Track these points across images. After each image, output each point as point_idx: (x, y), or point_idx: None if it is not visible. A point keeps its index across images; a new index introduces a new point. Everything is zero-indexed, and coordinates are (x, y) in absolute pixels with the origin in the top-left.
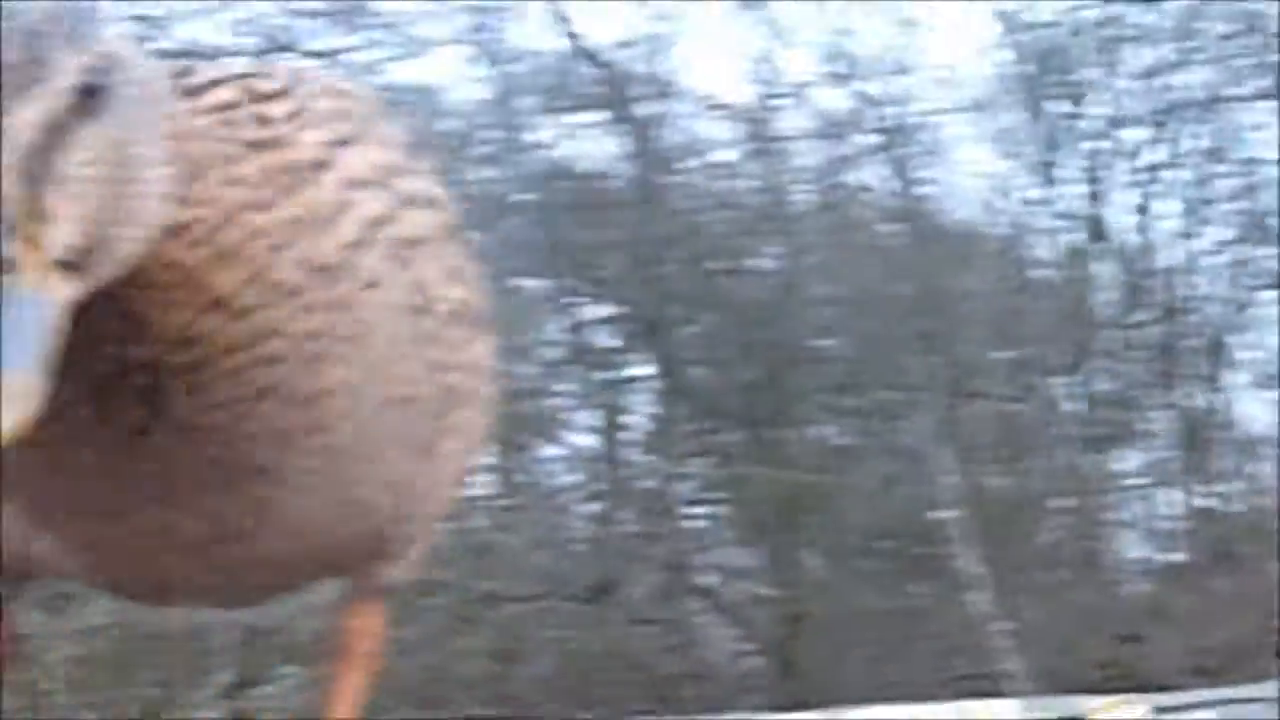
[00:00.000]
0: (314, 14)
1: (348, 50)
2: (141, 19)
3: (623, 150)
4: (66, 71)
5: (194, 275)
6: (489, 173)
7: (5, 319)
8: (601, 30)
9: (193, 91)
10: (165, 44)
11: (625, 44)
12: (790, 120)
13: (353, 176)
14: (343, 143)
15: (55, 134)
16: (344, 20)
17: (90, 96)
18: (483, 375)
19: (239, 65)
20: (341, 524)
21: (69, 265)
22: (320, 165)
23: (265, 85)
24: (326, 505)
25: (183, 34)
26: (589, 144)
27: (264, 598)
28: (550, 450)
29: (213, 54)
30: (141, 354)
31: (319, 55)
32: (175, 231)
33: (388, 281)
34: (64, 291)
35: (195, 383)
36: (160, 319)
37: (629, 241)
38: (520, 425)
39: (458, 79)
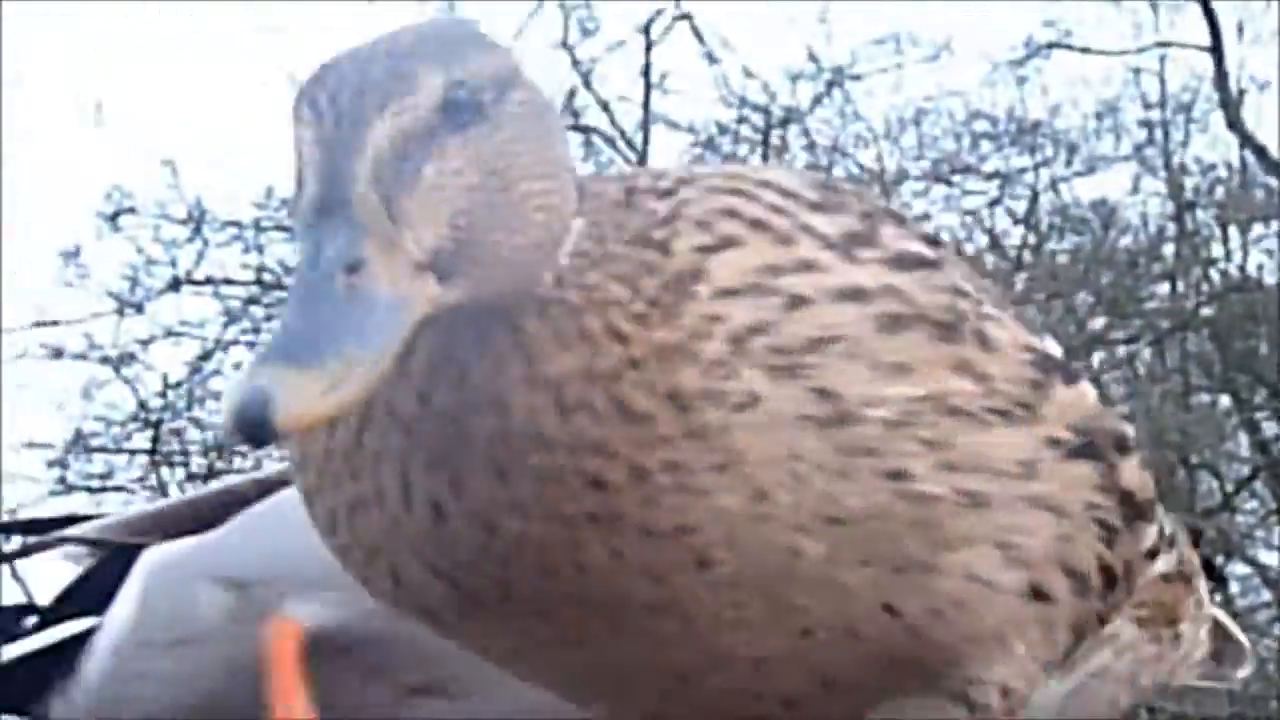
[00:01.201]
0: (988, 135)
1: (1023, 170)
2: (811, 146)
3: None
4: (430, 88)
5: (540, 344)
6: (1166, 288)
7: (355, 313)
8: (1277, 140)
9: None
10: (840, 170)
11: None
12: None
13: (723, 285)
14: (718, 246)
15: (416, 144)
16: (1019, 140)
17: (458, 111)
18: (1002, 474)
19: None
20: (831, 638)
21: (431, 268)
22: (695, 275)
23: (650, 182)
24: (789, 626)
25: (865, 158)
26: (1268, 256)
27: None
28: (1239, 569)
29: (895, 178)
30: (450, 404)
31: (995, 176)
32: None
33: (770, 397)
34: (423, 294)
35: None
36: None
37: None
38: (1208, 544)
39: (1134, 193)
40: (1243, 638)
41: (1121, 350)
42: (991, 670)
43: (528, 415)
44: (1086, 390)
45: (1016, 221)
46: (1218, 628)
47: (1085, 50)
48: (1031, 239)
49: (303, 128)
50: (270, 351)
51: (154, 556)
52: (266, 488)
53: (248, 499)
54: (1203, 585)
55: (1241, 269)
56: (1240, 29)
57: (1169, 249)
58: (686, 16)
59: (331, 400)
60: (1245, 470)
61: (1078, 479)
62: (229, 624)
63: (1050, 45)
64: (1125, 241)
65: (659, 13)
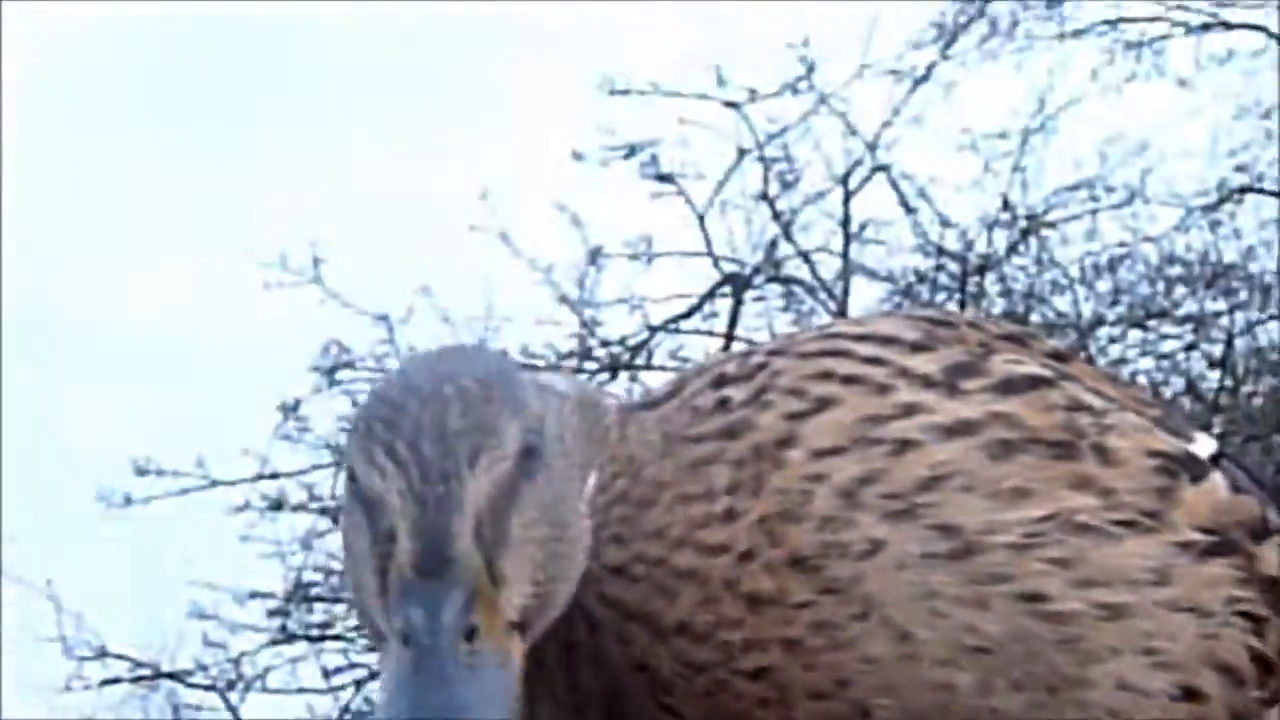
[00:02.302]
0: (1182, 280)
1: (1218, 313)
2: (1008, 293)
3: None
4: (512, 436)
5: (640, 610)
6: None
7: (481, 683)
8: None
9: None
10: (1036, 316)
11: None
12: None
13: (820, 446)
14: (809, 411)
15: (505, 498)
16: (1213, 284)
17: (528, 458)
18: (1137, 584)
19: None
20: None
21: (519, 626)
22: (784, 442)
23: (732, 369)
24: None
25: (1061, 304)
26: None
27: None
28: None
29: (1090, 323)
30: (599, 684)
31: (1190, 320)
32: (615, 571)
33: (893, 541)
34: (518, 653)
35: (659, 704)
36: (615, 650)
37: None
38: None
39: None
40: None
41: None
42: None
43: (674, 655)
44: (1217, 484)
45: (1212, 365)
46: None
47: (1277, 194)
48: (1228, 382)
49: (380, 475)
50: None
51: None
52: None
53: None
54: None
55: None
56: None
57: None
58: (884, 168)
59: None
60: None
61: (1215, 578)
62: None
63: (1243, 190)
64: None
65: (857, 163)
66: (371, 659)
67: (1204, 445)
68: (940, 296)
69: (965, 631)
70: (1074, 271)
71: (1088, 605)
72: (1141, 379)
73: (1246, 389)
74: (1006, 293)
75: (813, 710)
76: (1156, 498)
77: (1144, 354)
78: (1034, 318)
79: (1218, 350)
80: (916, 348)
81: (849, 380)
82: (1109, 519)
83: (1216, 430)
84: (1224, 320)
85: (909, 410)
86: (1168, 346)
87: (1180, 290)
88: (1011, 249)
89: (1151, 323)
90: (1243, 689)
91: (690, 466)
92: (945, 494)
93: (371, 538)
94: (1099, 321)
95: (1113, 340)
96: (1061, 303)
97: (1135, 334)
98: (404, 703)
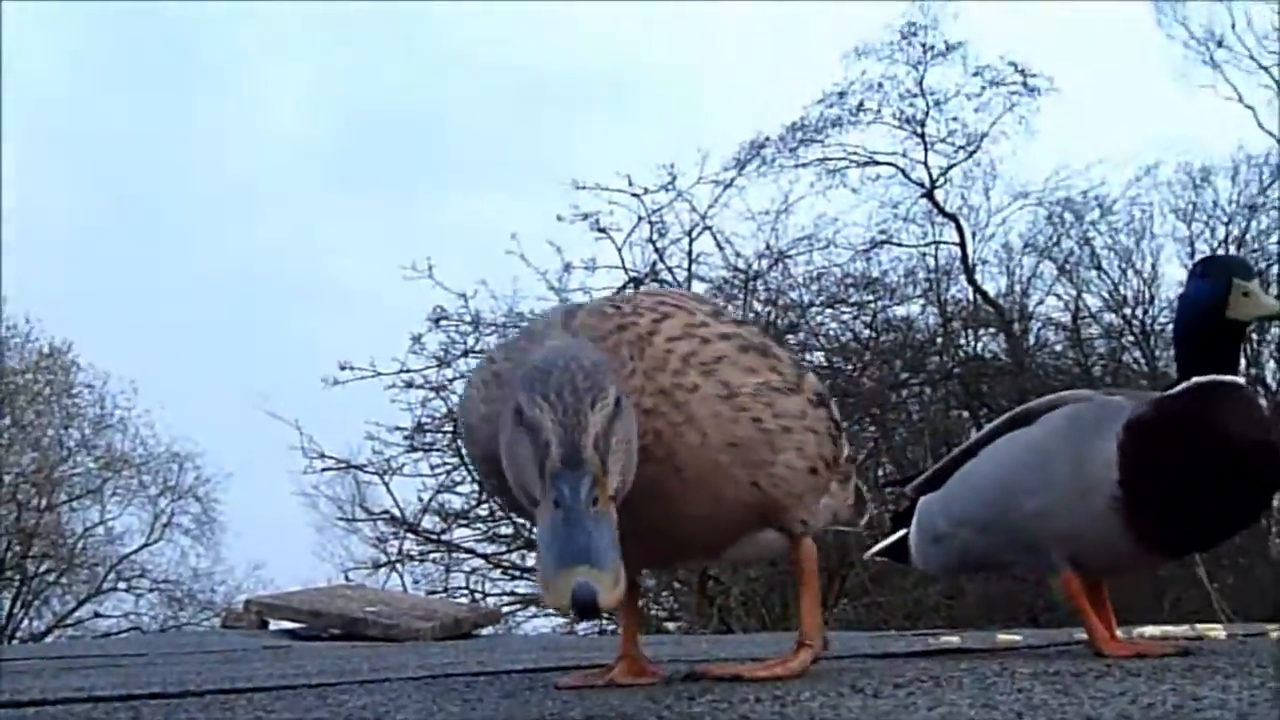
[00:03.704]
0: (853, 284)
1: (869, 302)
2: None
3: (1005, 346)
4: (611, 394)
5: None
6: (937, 359)
7: (606, 534)
8: (991, 287)
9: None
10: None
11: (1006, 294)
12: None
13: (671, 334)
14: (661, 318)
15: (609, 425)
16: (868, 286)
17: (618, 405)
18: (797, 417)
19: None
20: (732, 502)
21: (613, 497)
22: (653, 333)
23: (621, 300)
24: (715, 497)
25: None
26: (987, 344)
27: (723, 549)
28: None
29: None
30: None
31: (856, 305)
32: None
33: (703, 385)
34: (614, 512)
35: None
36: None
37: (1008, 392)
38: None
39: (922, 314)
40: (867, 499)
41: (917, 389)
42: (799, 512)
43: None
44: (813, 378)
45: (866, 327)
46: (857, 491)
47: (900, 244)
48: (873, 335)
49: (540, 409)
50: (570, 557)
51: (922, 501)
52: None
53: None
54: (851, 467)
55: (974, 350)
56: (974, 234)
57: (940, 340)
58: (709, 227)
59: (620, 588)
60: None
61: (819, 417)
62: (950, 535)
63: (883, 241)
64: (918, 336)
65: (696, 225)
66: (453, 460)
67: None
68: (735, 291)
69: (728, 435)
70: (800, 279)
71: (777, 426)
72: None
73: (883, 338)
74: (770, 297)
75: (660, 469)
76: (798, 378)
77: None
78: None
79: (869, 318)
80: (698, 299)
81: (677, 307)
82: (783, 385)
83: (867, 358)
84: (872, 304)
85: (704, 324)
86: (845, 317)
87: (851, 290)
88: (771, 266)
89: (837, 305)
90: (826, 472)
91: (610, 350)
92: (723, 366)
93: (534, 447)
94: (810, 304)
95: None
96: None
97: (829, 310)
98: (562, 541)
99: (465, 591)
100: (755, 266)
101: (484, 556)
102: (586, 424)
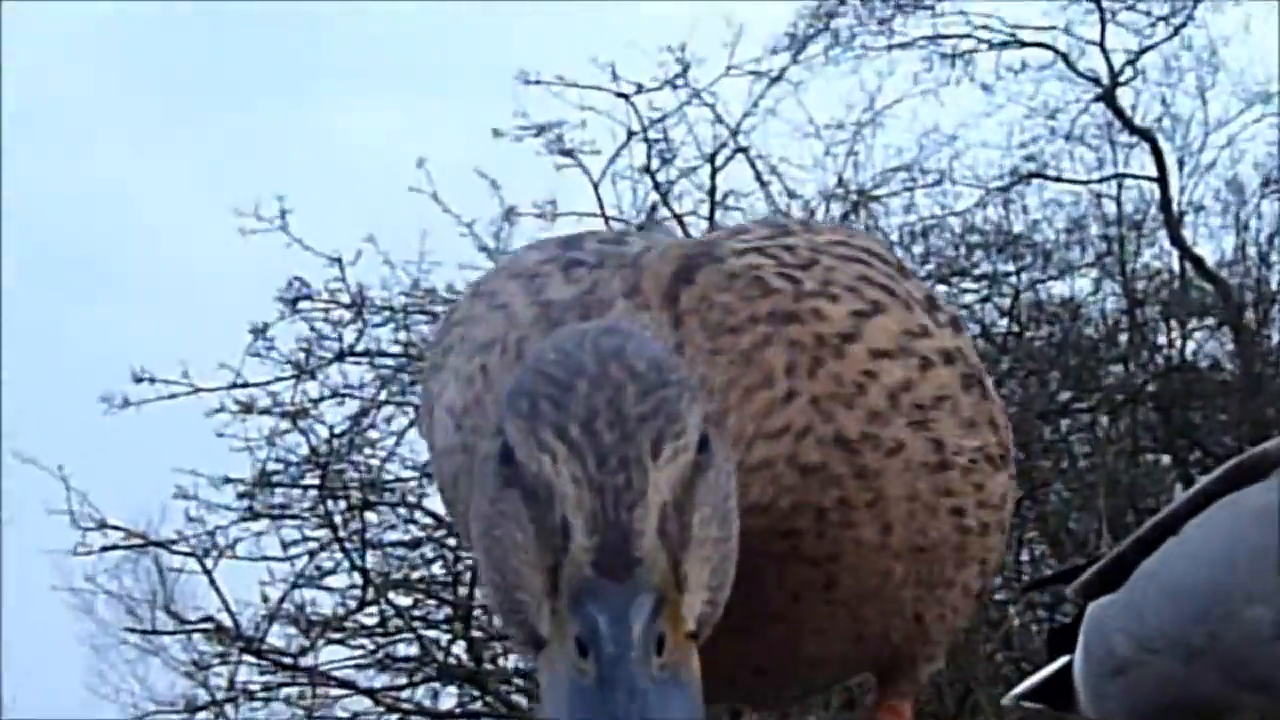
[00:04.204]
0: (980, 245)
1: (1008, 274)
2: None
3: (1231, 349)
4: (694, 424)
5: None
6: (1121, 368)
7: (668, 703)
8: (1210, 252)
9: (720, 258)
10: None
11: (1233, 263)
12: None
13: (878, 347)
14: (870, 312)
15: (686, 491)
16: (1005, 250)
17: (704, 449)
18: (998, 508)
19: (759, 229)
20: (854, 650)
21: (693, 636)
22: (848, 337)
23: (791, 255)
24: (838, 641)
25: None
26: (1202, 344)
27: (819, 689)
28: None
29: None
30: None
31: (985, 278)
32: None
33: (909, 445)
34: (697, 668)
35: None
36: None
37: (1236, 423)
38: None
39: (1095, 293)
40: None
41: (1085, 418)
42: (930, 664)
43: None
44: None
45: (1003, 315)
46: None
47: (1058, 179)
48: (1014, 328)
49: (552, 459)
50: None
51: (1092, 609)
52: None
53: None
54: None
55: (1181, 354)
56: (1181, 163)
57: (1124, 337)
58: (744, 149)
59: None
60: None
61: (1010, 502)
62: (1137, 664)
63: (1030, 175)
64: (1089, 331)
65: (722, 145)
66: (322, 534)
67: None
68: None
69: (918, 533)
70: (895, 237)
71: (978, 523)
72: None
73: (1029, 334)
74: None
75: (799, 574)
76: (1009, 440)
77: (949, 303)
78: None
79: (1006, 303)
80: (902, 272)
81: (886, 290)
82: (998, 453)
83: (1005, 366)
84: (1012, 279)
85: (925, 331)
86: (967, 299)
87: (978, 254)
88: (844, 217)
89: (954, 279)
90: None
91: (744, 354)
92: (941, 413)
93: (536, 528)
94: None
95: None
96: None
97: (941, 288)
98: (589, 716)
99: None
100: (820, 214)
101: (370, 693)
102: (644, 487)
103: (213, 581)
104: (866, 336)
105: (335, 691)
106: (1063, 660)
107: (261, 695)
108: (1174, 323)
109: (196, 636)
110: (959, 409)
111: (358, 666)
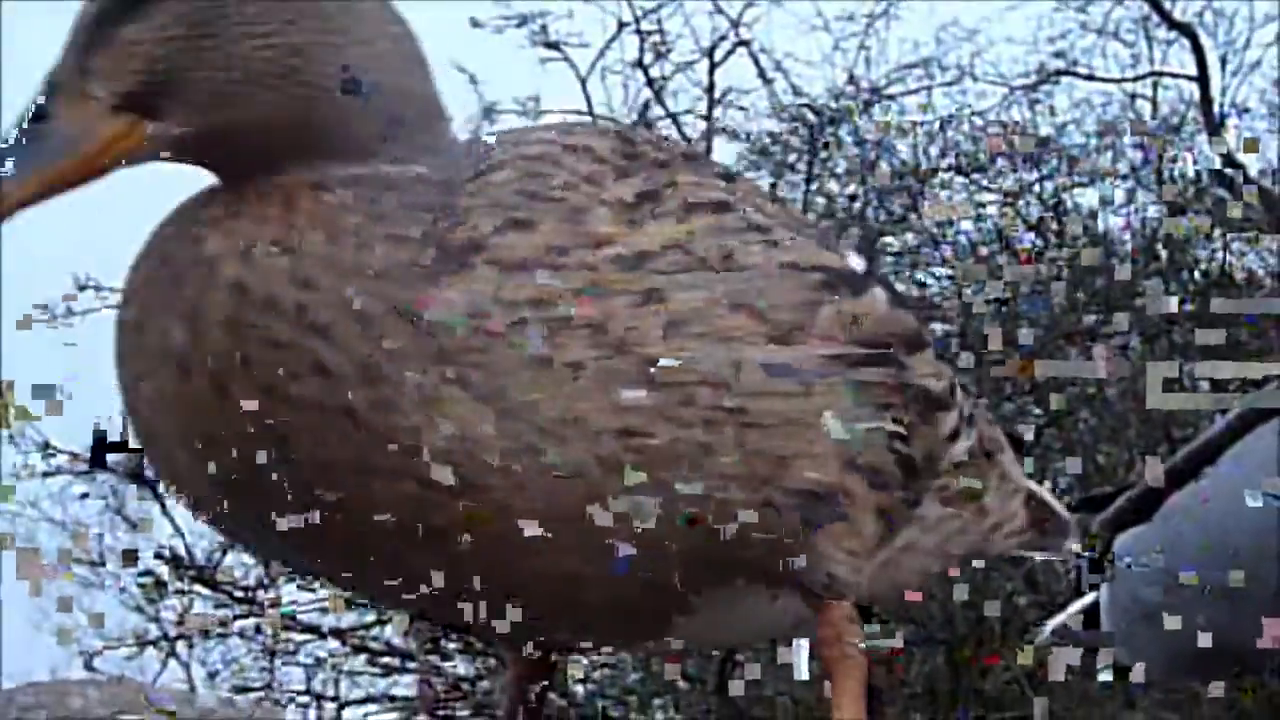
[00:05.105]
0: (1006, 155)
1: (1034, 182)
2: (861, 142)
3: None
4: None
5: None
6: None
7: (29, 145)
8: (1254, 159)
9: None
10: (884, 164)
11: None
12: None
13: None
14: (509, 227)
15: (119, 11)
16: (1030, 158)
17: None
18: (785, 392)
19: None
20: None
21: (131, 108)
22: (477, 248)
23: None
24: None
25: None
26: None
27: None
28: None
29: (925, 174)
30: None
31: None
32: None
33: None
34: (115, 127)
35: None
36: None
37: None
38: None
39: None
40: (1062, 509)
41: (1116, 340)
42: (812, 559)
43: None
44: (877, 298)
45: (1029, 227)
46: (1033, 500)
47: (1090, 77)
48: (1039, 242)
49: None
50: None
51: (1122, 540)
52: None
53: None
54: (1008, 459)
55: (1223, 269)
56: (1224, 61)
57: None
58: (745, 43)
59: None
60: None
61: (864, 386)
62: (1169, 606)
63: (1059, 73)
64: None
65: (722, 38)
66: None
67: (859, 263)
68: (791, 157)
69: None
70: (910, 138)
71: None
72: (962, 238)
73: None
74: (860, 142)
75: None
76: (806, 311)
77: (963, 219)
78: (882, 165)
79: (1032, 214)
80: (619, 172)
81: (550, 201)
82: (758, 332)
83: (1027, 287)
84: (1036, 187)
85: (598, 243)
86: (989, 208)
87: (1001, 161)
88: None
89: (975, 175)
90: (889, 488)
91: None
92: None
93: None
94: (933, 171)
95: (943, 187)
96: (905, 152)
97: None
98: None
99: (302, 697)
100: (830, 113)
101: (337, 634)
102: (75, 22)
103: (165, 509)
104: (493, 249)
105: (299, 636)
106: (1091, 598)
107: (216, 632)
108: (1216, 236)
109: (149, 568)
110: (659, 311)
111: (321, 610)
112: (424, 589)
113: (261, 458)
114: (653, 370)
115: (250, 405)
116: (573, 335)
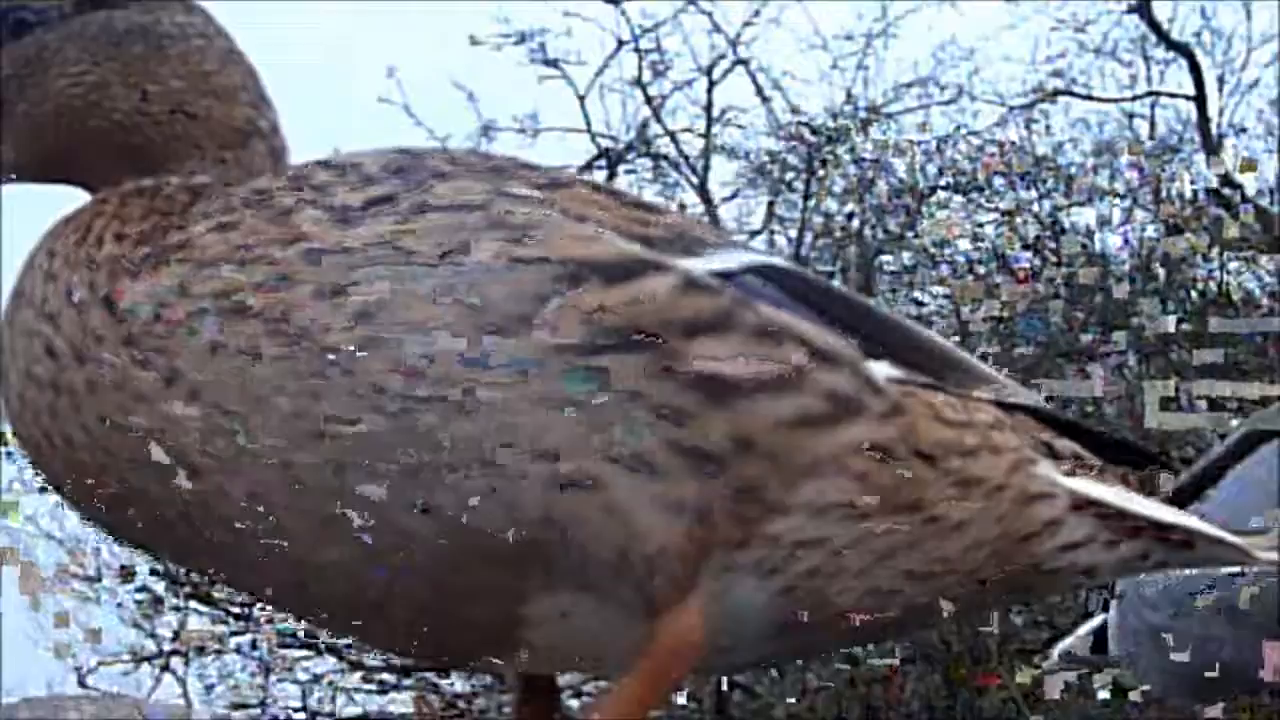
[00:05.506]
0: (999, 172)
1: (1032, 201)
2: (858, 161)
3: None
4: None
5: None
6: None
7: None
8: (1252, 179)
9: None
10: (881, 183)
11: (1276, 190)
12: None
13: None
14: (220, 228)
15: None
16: (1026, 175)
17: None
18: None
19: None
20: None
21: None
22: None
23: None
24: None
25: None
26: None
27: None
28: None
29: (925, 191)
30: None
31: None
32: None
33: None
34: None
35: None
36: None
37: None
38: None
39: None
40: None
41: (1113, 359)
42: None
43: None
44: (652, 285)
45: (1025, 247)
46: (1096, 507)
47: (1088, 97)
48: (1036, 261)
49: None
50: None
51: None
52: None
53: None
54: (1010, 459)
55: (1220, 288)
56: (1221, 81)
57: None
58: (743, 62)
59: None
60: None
61: (614, 372)
62: (1174, 627)
63: (1057, 92)
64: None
65: (720, 57)
66: None
67: (722, 260)
68: (789, 175)
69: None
70: (908, 157)
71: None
72: (959, 259)
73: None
74: (858, 161)
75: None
76: (531, 303)
77: (960, 238)
78: (879, 183)
79: (1030, 233)
80: (364, 182)
81: (257, 204)
82: (473, 324)
83: (1024, 305)
84: (1034, 206)
85: (294, 239)
86: (986, 229)
87: (998, 180)
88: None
89: (972, 194)
90: (665, 479)
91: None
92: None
93: None
94: (931, 190)
95: (940, 206)
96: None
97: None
98: None
99: (298, 714)
100: (828, 131)
101: (333, 650)
102: None
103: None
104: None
105: (295, 653)
106: (1098, 620)
107: (212, 649)
108: (1213, 255)
109: (146, 583)
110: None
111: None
112: (268, 591)
113: (44, 442)
114: (332, 358)
115: (18, 387)
116: (250, 323)
